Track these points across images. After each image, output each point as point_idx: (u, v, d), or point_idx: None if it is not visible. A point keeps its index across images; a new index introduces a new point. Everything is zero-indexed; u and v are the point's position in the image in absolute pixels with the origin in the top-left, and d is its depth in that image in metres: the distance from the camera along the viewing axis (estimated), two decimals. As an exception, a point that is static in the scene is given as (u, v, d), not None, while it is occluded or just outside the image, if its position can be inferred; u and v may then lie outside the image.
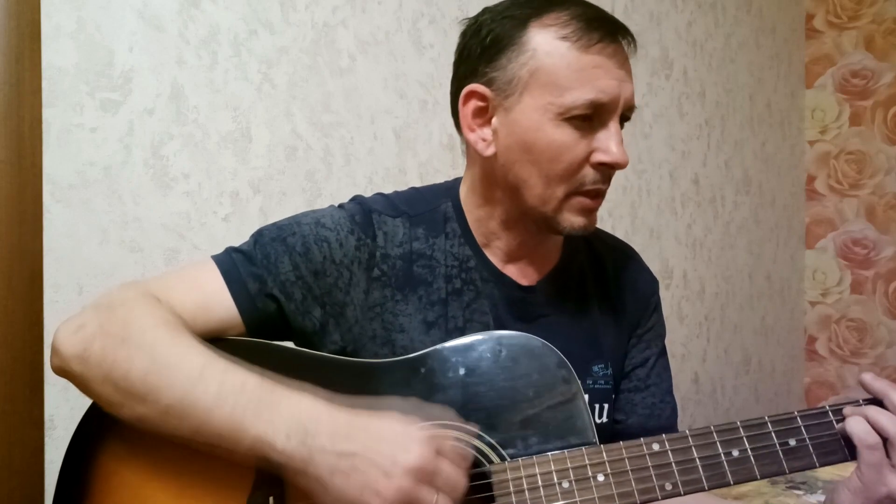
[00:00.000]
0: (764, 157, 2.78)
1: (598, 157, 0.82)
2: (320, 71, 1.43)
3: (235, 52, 1.31)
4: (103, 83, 1.15)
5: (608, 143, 0.82)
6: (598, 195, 0.86)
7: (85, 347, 0.75)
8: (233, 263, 0.84)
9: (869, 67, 2.87)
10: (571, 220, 0.85)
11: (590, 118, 0.81)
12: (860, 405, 0.77)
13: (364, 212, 0.89)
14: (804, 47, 3.01)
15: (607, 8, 2.03)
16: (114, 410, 0.75)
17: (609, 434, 0.94)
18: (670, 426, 0.98)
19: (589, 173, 0.83)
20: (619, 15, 2.08)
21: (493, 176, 0.88)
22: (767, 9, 2.78)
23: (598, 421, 0.92)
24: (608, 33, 0.81)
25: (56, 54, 1.10)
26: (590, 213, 0.86)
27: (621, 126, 0.85)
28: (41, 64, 1.08)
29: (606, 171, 0.84)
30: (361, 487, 0.66)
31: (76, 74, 1.12)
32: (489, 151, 0.86)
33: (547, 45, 0.81)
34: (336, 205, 0.92)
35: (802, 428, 0.76)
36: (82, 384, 0.77)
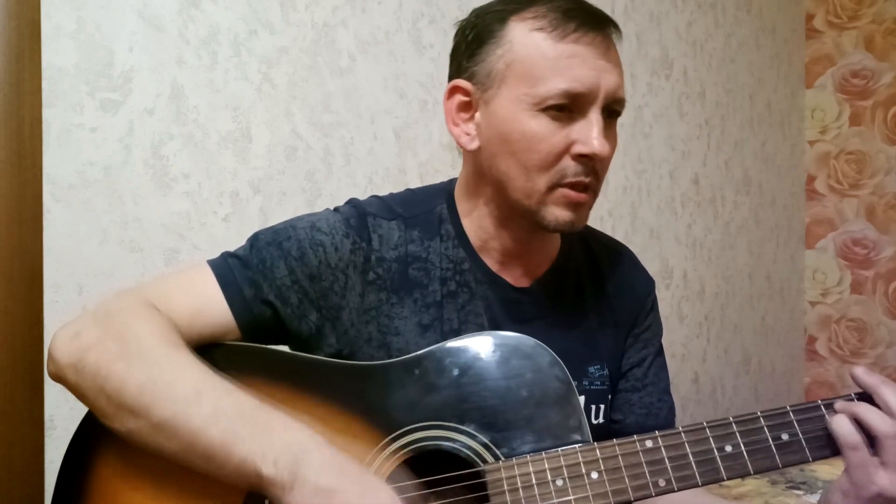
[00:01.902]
0: (764, 157, 2.78)
1: (577, 147, 0.81)
2: (320, 71, 1.43)
3: (235, 52, 1.31)
4: (103, 83, 1.15)
5: (586, 133, 0.81)
6: (584, 189, 0.84)
7: (80, 358, 0.75)
8: (228, 269, 0.84)
9: (869, 67, 2.87)
10: (556, 213, 0.84)
11: (567, 108, 0.81)
12: (852, 399, 0.77)
13: (359, 215, 0.89)
14: (804, 47, 3.01)
15: (607, 8, 2.04)
16: (105, 421, 0.76)
17: (606, 435, 0.93)
18: (668, 425, 0.98)
19: (570, 165, 0.82)
20: (619, 15, 2.08)
21: (481, 171, 0.88)
22: (767, 9, 2.78)
23: (595, 422, 0.92)
24: (585, 23, 0.81)
25: (56, 54, 1.10)
26: (577, 207, 0.84)
27: (611, 120, 0.84)
28: (41, 64, 1.08)
29: (587, 162, 0.82)
30: None
31: (76, 74, 1.12)
32: (473, 145, 0.87)
33: (522, 36, 0.82)
34: (331, 208, 0.92)
35: (795, 422, 0.77)
36: (76, 392, 0.77)
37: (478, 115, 0.86)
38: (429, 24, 1.61)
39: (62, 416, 1.10)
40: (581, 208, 0.85)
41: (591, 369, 0.92)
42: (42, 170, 1.09)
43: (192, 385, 0.73)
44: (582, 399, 0.90)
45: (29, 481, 1.07)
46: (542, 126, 0.81)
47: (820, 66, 2.99)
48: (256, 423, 0.71)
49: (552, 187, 0.83)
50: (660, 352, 1.01)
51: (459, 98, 0.87)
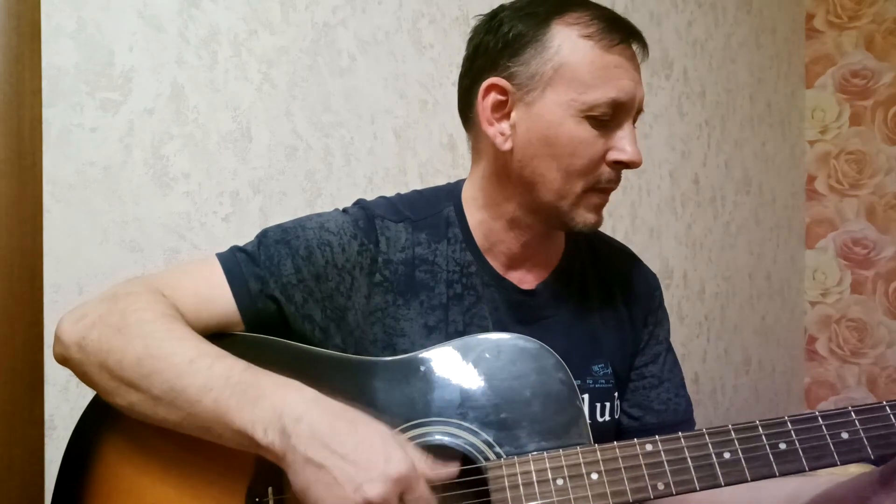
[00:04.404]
0: (764, 157, 2.78)
1: (615, 155, 0.85)
2: (320, 71, 1.43)
3: (235, 52, 1.31)
4: (103, 83, 1.15)
5: (623, 141, 0.85)
6: (607, 192, 0.88)
7: (84, 335, 0.77)
8: (236, 262, 0.86)
9: (869, 67, 2.87)
10: (585, 216, 0.87)
11: (608, 116, 0.84)
12: (849, 413, 0.78)
13: (367, 217, 0.89)
14: (804, 47, 3.02)
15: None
16: (108, 398, 0.78)
17: (612, 433, 0.95)
18: (687, 419, 1.00)
19: (605, 171, 0.85)
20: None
21: (507, 172, 0.88)
22: (767, 9, 2.78)
23: (600, 420, 0.93)
24: (627, 35, 0.85)
25: (56, 54, 1.10)
26: (600, 209, 0.89)
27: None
28: (41, 64, 1.08)
29: (621, 169, 0.87)
30: (319, 499, 0.67)
31: (76, 74, 1.12)
32: (507, 146, 0.87)
33: (571, 42, 0.83)
34: (340, 209, 0.92)
35: (792, 432, 0.77)
36: (80, 371, 0.79)
37: (514, 115, 0.86)
38: (429, 24, 1.61)
39: (62, 416, 1.10)
40: (602, 210, 0.89)
41: (596, 368, 0.93)
42: (42, 170, 1.09)
43: (187, 355, 0.74)
44: (586, 397, 0.91)
45: (29, 481, 1.07)
46: (586, 132, 0.83)
47: (820, 66, 2.99)
48: (245, 390, 0.72)
49: (585, 191, 0.86)
50: (671, 347, 1.03)
51: (495, 97, 0.87)
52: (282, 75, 1.37)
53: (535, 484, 0.75)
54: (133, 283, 0.83)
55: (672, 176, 2.33)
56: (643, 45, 0.88)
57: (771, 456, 0.76)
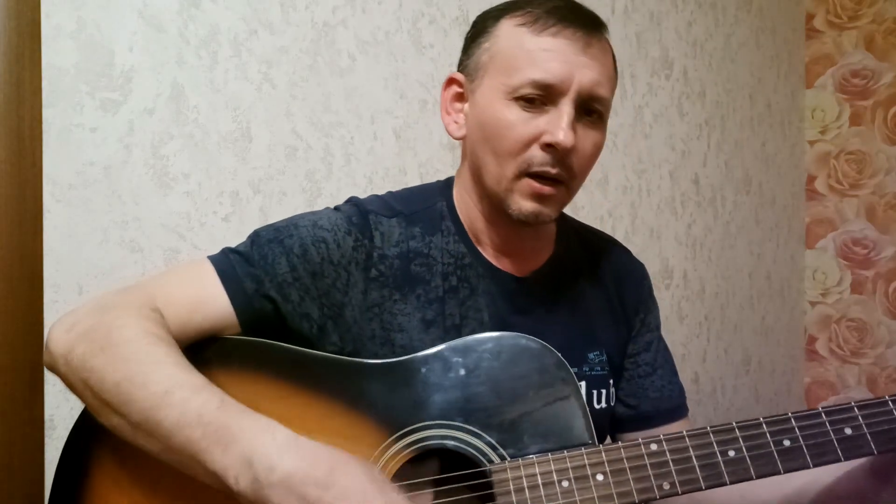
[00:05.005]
0: (764, 157, 2.78)
1: (544, 137, 0.84)
2: (320, 71, 1.43)
3: (235, 52, 1.31)
4: (103, 83, 1.14)
5: (553, 124, 0.83)
6: (552, 182, 0.85)
7: (70, 349, 0.75)
8: (230, 264, 0.85)
9: (869, 67, 2.87)
10: (520, 203, 0.86)
11: (540, 99, 0.83)
12: (852, 409, 0.78)
13: (360, 213, 0.89)
14: (804, 47, 3.01)
15: (607, 8, 2.04)
16: (94, 415, 0.76)
17: (609, 420, 0.97)
18: (681, 405, 1.01)
19: (537, 154, 0.84)
20: (619, 15, 2.08)
21: (467, 161, 0.93)
22: (767, 9, 2.78)
23: (597, 407, 0.94)
24: (564, 18, 0.84)
25: (56, 54, 1.09)
26: (542, 199, 0.86)
27: (591, 119, 0.86)
28: (41, 64, 1.08)
29: (554, 153, 0.84)
30: None
31: (76, 74, 1.12)
32: (459, 133, 0.91)
33: (506, 31, 0.86)
34: (332, 207, 0.92)
35: (797, 429, 0.77)
36: (67, 384, 0.78)
37: (466, 105, 0.91)
38: (429, 24, 1.61)
39: (62, 416, 1.10)
40: (547, 201, 0.86)
41: (591, 355, 0.95)
42: (42, 170, 1.08)
43: (163, 385, 0.71)
44: (583, 385, 0.92)
45: (29, 481, 1.07)
46: (513, 114, 0.84)
47: (820, 66, 2.99)
48: (217, 432, 0.69)
49: (519, 175, 0.85)
50: (661, 334, 1.05)
51: (454, 89, 0.92)
52: (282, 75, 1.37)
53: (541, 486, 0.75)
54: (126, 293, 0.81)
55: (672, 176, 2.33)
56: (598, 28, 0.86)
57: (776, 453, 0.76)
